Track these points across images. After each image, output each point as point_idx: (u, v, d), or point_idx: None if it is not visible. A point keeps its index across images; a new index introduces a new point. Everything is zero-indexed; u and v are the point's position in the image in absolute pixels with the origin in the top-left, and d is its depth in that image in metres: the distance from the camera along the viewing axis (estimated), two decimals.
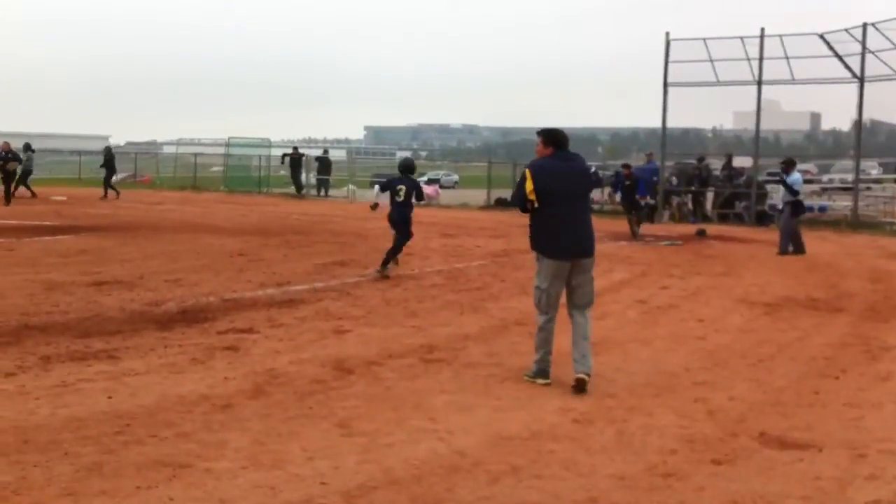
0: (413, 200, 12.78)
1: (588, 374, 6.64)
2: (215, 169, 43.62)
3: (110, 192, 28.97)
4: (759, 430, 5.74)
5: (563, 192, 6.85)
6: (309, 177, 34.69)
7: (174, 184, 39.42)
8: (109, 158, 30.22)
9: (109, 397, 6.07)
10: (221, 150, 40.84)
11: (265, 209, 25.54)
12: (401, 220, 12.66)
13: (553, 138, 7.05)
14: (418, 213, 25.38)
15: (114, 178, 30.50)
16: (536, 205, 6.85)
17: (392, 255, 12.52)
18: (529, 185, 6.82)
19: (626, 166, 21.80)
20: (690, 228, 21.64)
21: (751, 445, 5.46)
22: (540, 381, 6.83)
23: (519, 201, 7.03)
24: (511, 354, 7.79)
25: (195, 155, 42.62)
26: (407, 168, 13.23)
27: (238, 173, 38.21)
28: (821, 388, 6.87)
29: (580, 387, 6.58)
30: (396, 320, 9.17)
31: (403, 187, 12.66)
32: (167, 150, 66.15)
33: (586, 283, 6.94)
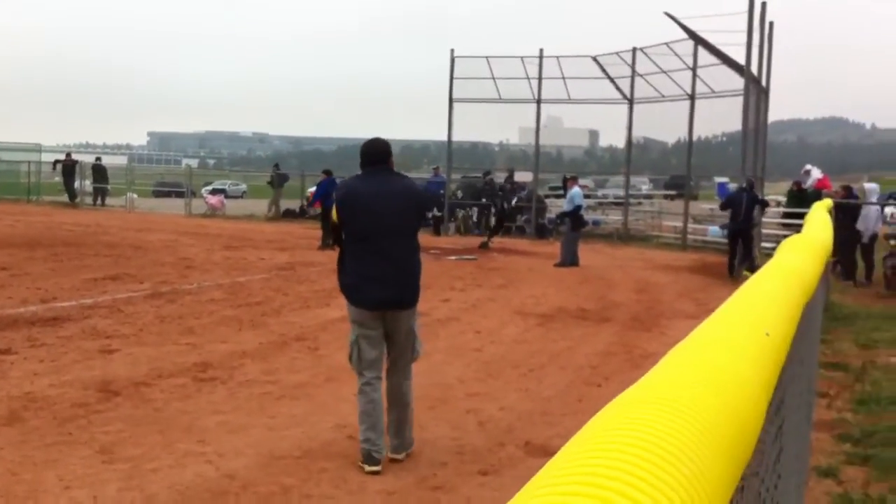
0: None
1: (405, 451, 5.51)
2: None
3: None
4: (525, 440, 5.97)
5: (374, 223, 5.36)
6: (84, 185, 32.87)
7: None
8: None
9: None
10: None
11: (34, 219, 23.96)
12: None
13: (362, 152, 5.59)
14: (203, 225, 24.84)
15: None
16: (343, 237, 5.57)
17: None
18: (335, 213, 5.55)
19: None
20: (475, 241, 22.22)
21: (516, 454, 5.67)
22: (367, 467, 5.23)
23: (333, 234, 5.77)
24: (289, 371, 7.69)
25: None
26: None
27: (5, 180, 35.69)
28: (585, 396, 7.23)
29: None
30: (170, 338, 8.84)
31: None
32: None
33: (403, 339, 5.57)
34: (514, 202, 25.37)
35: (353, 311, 5.47)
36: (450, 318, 10.93)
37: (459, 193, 27.53)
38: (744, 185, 16.92)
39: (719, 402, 1.04)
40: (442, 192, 26.30)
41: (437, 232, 25.15)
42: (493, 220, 26.68)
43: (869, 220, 15.79)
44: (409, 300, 5.49)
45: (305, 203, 30.75)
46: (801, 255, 3.50)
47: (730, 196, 16.97)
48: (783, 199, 25.83)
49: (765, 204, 18.36)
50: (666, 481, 0.79)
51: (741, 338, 1.48)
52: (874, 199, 16.87)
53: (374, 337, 5.46)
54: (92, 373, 7.25)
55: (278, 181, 30.20)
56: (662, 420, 0.91)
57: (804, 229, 6.23)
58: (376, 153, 5.56)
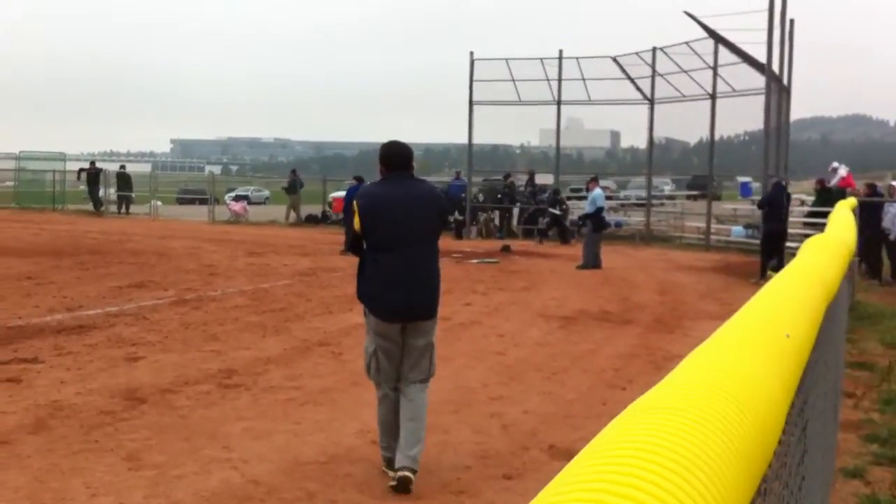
0: None
1: (413, 471, 5.01)
2: (6, 184, 40.98)
3: None
4: (549, 443, 5.96)
5: (397, 230, 5.16)
6: (108, 193, 33.19)
7: None
8: None
9: None
10: (12, 165, 38.37)
11: (60, 227, 24.20)
12: None
13: (383, 155, 5.40)
14: (226, 231, 24.99)
15: None
16: (365, 245, 5.32)
17: None
18: (357, 221, 5.29)
19: None
20: (497, 244, 22.22)
21: (540, 458, 5.66)
22: (390, 472, 5.14)
23: (349, 242, 5.46)
24: (313, 377, 7.72)
25: None
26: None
27: (30, 189, 36.10)
28: (608, 399, 7.20)
29: (402, 486, 4.96)
30: (194, 345, 8.90)
31: None
32: None
33: (420, 350, 5.29)
34: (565, 207, 25.15)
35: (373, 321, 5.27)
36: (472, 321, 10.93)
37: (481, 196, 27.51)
38: (782, 182, 16.81)
39: (736, 407, 1.04)
40: (463, 195, 26.34)
41: (458, 235, 25.16)
42: (513, 222, 26.69)
43: None
44: (430, 310, 5.30)
45: (328, 208, 30.87)
46: (823, 255, 3.48)
47: (771, 195, 16.64)
48: (807, 197, 25.64)
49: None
50: (681, 487, 0.79)
51: (761, 340, 1.47)
52: None
53: (393, 349, 5.26)
54: (118, 380, 7.31)
55: (297, 186, 30.30)
56: (676, 426, 0.91)
57: (827, 229, 6.18)
58: (400, 157, 5.38)
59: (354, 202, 5.33)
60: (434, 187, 5.81)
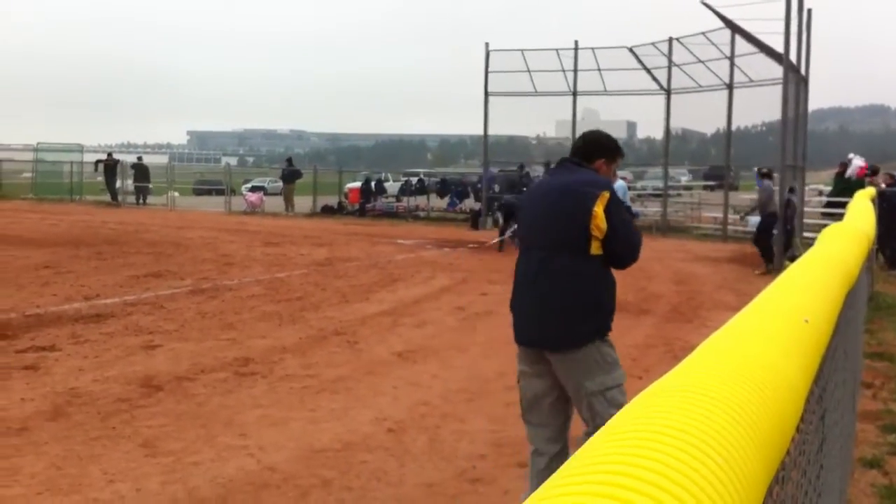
0: None
1: None
2: (24, 175, 41.25)
3: None
4: None
5: (531, 226, 4.28)
6: (126, 184, 33.36)
7: None
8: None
9: None
10: (30, 156, 38.58)
11: (77, 218, 24.33)
12: None
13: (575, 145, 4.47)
14: (243, 222, 25.07)
15: None
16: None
17: None
18: None
19: None
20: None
21: None
22: None
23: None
24: (328, 366, 7.73)
25: (0, 161, 40.00)
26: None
27: (48, 180, 36.31)
28: (626, 388, 7.16)
29: None
30: (211, 333, 8.93)
31: None
32: None
33: (574, 394, 4.16)
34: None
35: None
36: (488, 311, 10.91)
37: (496, 187, 27.48)
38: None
39: (754, 391, 1.03)
40: (479, 185, 26.36)
41: (474, 226, 25.16)
42: None
43: None
44: (555, 340, 4.07)
45: (344, 199, 30.90)
46: (842, 243, 3.45)
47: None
48: (825, 188, 25.45)
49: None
50: (697, 469, 0.78)
51: (779, 325, 1.46)
52: None
53: (532, 384, 4.23)
54: (135, 368, 7.35)
55: (291, 176, 30.30)
56: (692, 409, 0.90)
57: (846, 218, 6.14)
58: (574, 146, 4.40)
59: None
60: (588, 181, 4.10)
